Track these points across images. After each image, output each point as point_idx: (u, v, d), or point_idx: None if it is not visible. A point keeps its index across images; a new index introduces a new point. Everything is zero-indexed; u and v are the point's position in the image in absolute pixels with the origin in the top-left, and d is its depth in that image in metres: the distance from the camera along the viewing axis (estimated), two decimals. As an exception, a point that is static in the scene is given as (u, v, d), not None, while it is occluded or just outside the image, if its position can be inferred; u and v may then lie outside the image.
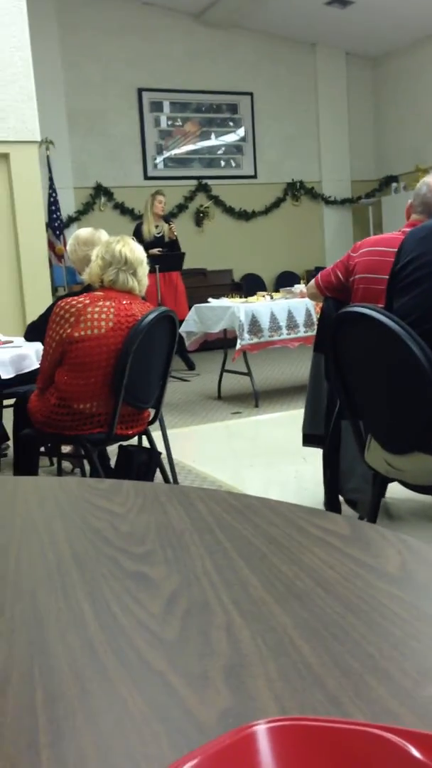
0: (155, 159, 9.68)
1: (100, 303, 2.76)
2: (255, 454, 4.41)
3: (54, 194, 8.58)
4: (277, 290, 6.85)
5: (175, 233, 7.29)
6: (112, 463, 3.28)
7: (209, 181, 9.93)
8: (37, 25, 7.11)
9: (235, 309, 5.59)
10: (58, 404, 2.82)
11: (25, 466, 3.15)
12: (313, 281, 2.95)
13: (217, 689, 0.46)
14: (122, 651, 0.52)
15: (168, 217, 7.49)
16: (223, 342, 6.02)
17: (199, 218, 9.87)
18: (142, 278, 2.88)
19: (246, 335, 5.52)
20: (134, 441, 3.33)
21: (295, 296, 5.95)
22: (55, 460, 4.00)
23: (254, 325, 5.58)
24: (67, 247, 3.54)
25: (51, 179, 8.55)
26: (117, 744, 0.42)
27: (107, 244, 2.90)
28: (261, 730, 0.36)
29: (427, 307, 1.98)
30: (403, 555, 0.67)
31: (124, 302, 2.81)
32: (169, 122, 9.79)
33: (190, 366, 7.66)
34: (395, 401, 2.01)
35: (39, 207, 5.88)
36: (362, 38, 9.99)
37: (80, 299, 2.77)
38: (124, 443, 3.13)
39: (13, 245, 5.77)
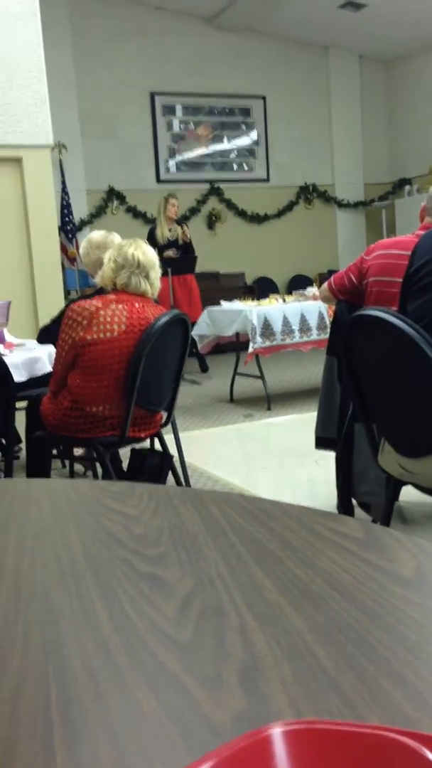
0: (168, 162, 9.69)
1: (113, 306, 2.77)
2: (267, 457, 4.40)
3: (67, 198, 8.60)
4: (289, 293, 6.84)
5: (189, 236, 7.30)
6: (125, 466, 3.28)
7: (222, 185, 9.93)
8: (50, 30, 7.14)
9: (248, 312, 5.59)
10: (70, 407, 2.83)
11: (37, 468, 3.16)
12: (326, 284, 2.95)
13: (231, 692, 0.46)
14: (137, 653, 0.52)
15: (181, 220, 7.51)
16: (236, 345, 6.01)
17: (212, 221, 9.87)
18: (154, 281, 2.89)
19: (258, 338, 5.52)
20: (146, 444, 3.33)
21: (307, 299, 5.94)
22: (67, 462, 4.01)
23: (267, 329, 5.57)
24: (80, 250, 3.55)
25: (64, 183, 8.58)
26: (131, 746, 0.41)
27: (120, 247, 2.90)
28: (276, 733, 0.36)
29: (441, 310, 1.97)
30: (418, 558, 0.66)
31: (137, 305, 2.81)
32: (182, 126, 9.81)
33: (204, 368, 7.67)
34: (409, 404, 2.01)
35: (52, 210, 5.90)
36: (375, 41, 9.97)
37: (93, 302, 2.78)
38: (137, 446, 3.13)
39: (26, 248, 5.79)
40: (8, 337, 3.83)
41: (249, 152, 10.22)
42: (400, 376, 2.00)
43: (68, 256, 8.45)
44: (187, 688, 0.47)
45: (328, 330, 5.30)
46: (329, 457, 3.08)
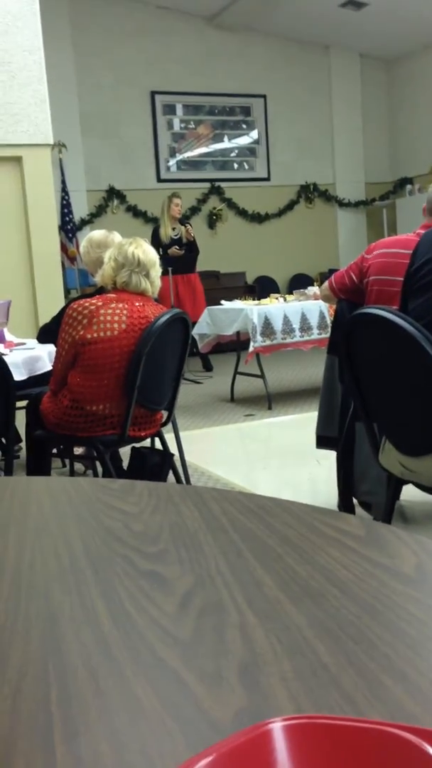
0: (168, 162, 9.69)
1: (113, 305, 2.77)
2: (268, 456, 4.40)
3: (67, 197, 8.61)
4: (290, 292, 6.84)
5: (193, 234, 7.31)
6: (125, 465, 3.28)
7: (222, 184, 9.93)
8: (50, 29, 7.14)
9: (248, 311, 5.59)
10: (70, 406, 2.82)
11: (37, 467, 3.15)
12: (326, 283, 2.95)
13: (231, 687, 0.46)
14: (136, 649, 0.52)
15: (184, 220, 7.52)
16: (236, 344, 6.01)
17: (212, 221, 9.88)
18: (154, 280, 2.89)
19: (259, 337, 5.51)
20: (147, 443, 3.33)
21: (308, 298, 5.94)
22: (67, 461, 4.01)
23: (267, 327, 5.57)
24: (80, 249, 3.55)
25: (64, 182, 8.59)
26: (131, 741, 0.41)
27: (120, 245, 2.90)
28: (277, 727, 0.36)
29: (442, 309, 1.97)
30: (419, 556, 0.66)
31: (137, 304, 2.81)
32: (182, 125, 9.81)
33: (208, 367, 7.68)
34: (410, 403, 2.00)
35: (52, 210, 5.90)
36: (376, 40, 9.97)
37: (93, 301, 2.78)
38: (137, 445, 3.13)
39: (26, 248, 5.79)
40: (8, 336, 3.83)
41: (250, 151, 10.21)
42: (401, 375, 2.00)
43: (68, 256, 8.46)
44: (187, 684, 0.47)
45: (329, 329, 5.30)
46: (330, 456, 3.08)
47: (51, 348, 3.40)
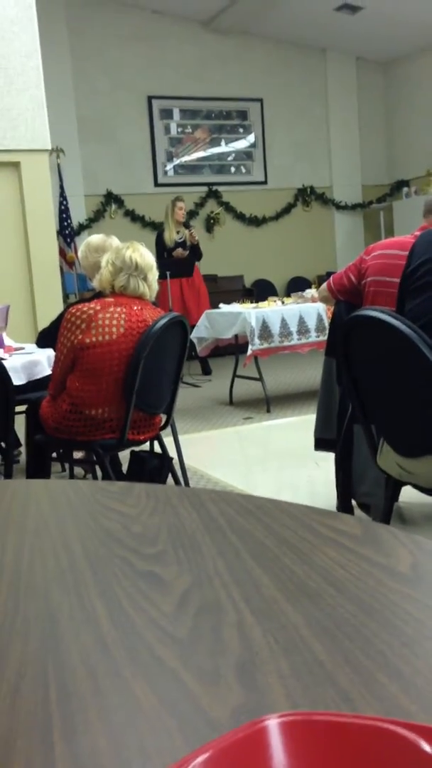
0: (165, 166, 9.71)
1: (111, 309, 2.77)
2: (267, 459, 4.41)
3: (65, 202, 8.62)
4: (288, 295, 6.85)
5: (197, 238, 7.36)
6: (124, 468, 3.28)
7: (220, 188, 9.95)
8: (48, 34, 7.16)
9: (246, 314, 5.60)
10: (69, 410, 2.83)
11: (37, 471, 3.16)
12: (325, 284, 2.95)
13: (229, 686, 0.46)
14: (135, 648, 0.52)
15: (188, 223, 7.56)
16: (235, 348, 6.02)
17: (210, 224, 9.89)
18: (152, 283, 2.89)
19: (257, 340, 5.52)
20: (146, 446, 3.33)
21: (306, 301, 5.95)
22: (67, 465, 4.01)
23: (265, 331, 5.58)
24: (79, 254, 3.56)
25: (62, 187, 8.60)
26: (129, 739, 0.42)
27: (117, 250, 2.91)
28: (273, 724, 0.36)
29: (439, 310, 1.98)
30: (415, 555, 0.67)
31: (135, 308, 2.82)
32: (179, 129, 9.83)
33: (207, 371, 7.69)
34: (407, 404, 2.01)
35: (50, 215, 5.91)
36: (372, 43, 10.00)
37: (91, 305, 2.78)
38: (136, 449, 3.13)
39: (24, 253, 5.80)
40: (7, 341, 3.84)
41: (247, 155, 10.23)
42: (399, 376, 2.01)
43: (67, 261, 8.47)
44: (185, 682, 0.47)
45: (327, 332, 5.31)
46: (329, 458, 3.09)
47: (50, 352, 3.41)
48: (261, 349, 5.57)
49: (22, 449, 3.99)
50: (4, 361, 2.94)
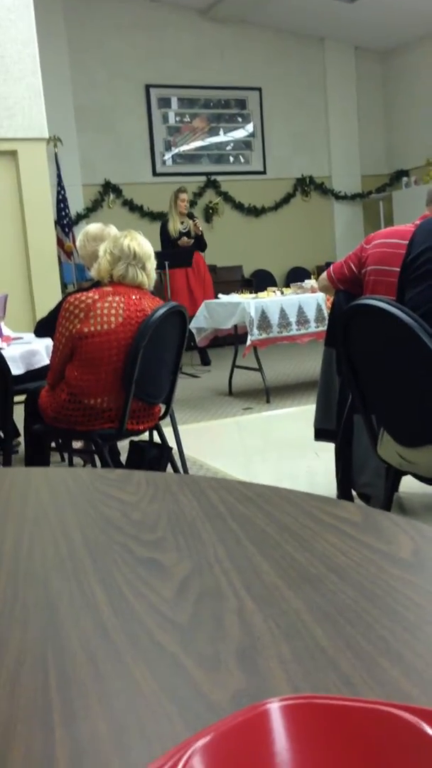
0: (164, 155, 9.67)
1: (110, 298, 2.77)
2: (266, 449, 4.41)
3: (62, 192, 8.59)
4: (287, 286, 6.84)
5: (201, 229, 7.39)
6: (123, 458, 3.28)
7: (218, 177, 9.91)
8: (44, 22, 7.12)
9: (246, 305, 5.59)
10: (68, 399, 2.82)
11: (36, 461, 3.16)
12: (325, 273, 2.94)
13: (229, 671, 0.46)
14: (135, 634, 0.52)
15: (191, 214, 7.58)
16: (234, 338, 6.01)
17: (209, 214, 9.86)
18: (150, 272, 2.88)
19: (255, 331, 5.52)
20: (145, 436, 3.33)
21: (305, 291, 5.94)
22: (66, 455, 4.01)
23: (264, 321, 5.57)
24: (77, 243, 3.55)
25: (59, 176, 8.56)
26: (130, 723, 0.42)
27: (115, 239, 2.90)
28: (275, 707, 0.36)
29: (438, 299, 1.97)
30: (416, 541, 0.66)
31: (134, 297, 2.81)
32: (177, 118, 9.79)
33: (206, 361, 7.69)
34: (408, 393, 2.01)
35: (47, 204, 5.89)
36: (371, 33, 9.95)
37: (90, 294, 2.78)
38: (135, 438, 3.13)
39: (22, 242, 5.79)
40: (5, 331, 3.83)
41: (245, 144, 10.19)
42: (399, 365, 2.00)
43: (65, 250, 8.44)
44: (186, 667, 0.47)
45: (326, 322, 5.30)
46: (329, 448, 3.08)
47: (48, 342, 3.40)
48: (260, 339, 5.56)
49: (21, 440, 3.99)
50: (2, 351, 2.93)
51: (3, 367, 2.53)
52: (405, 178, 10.48)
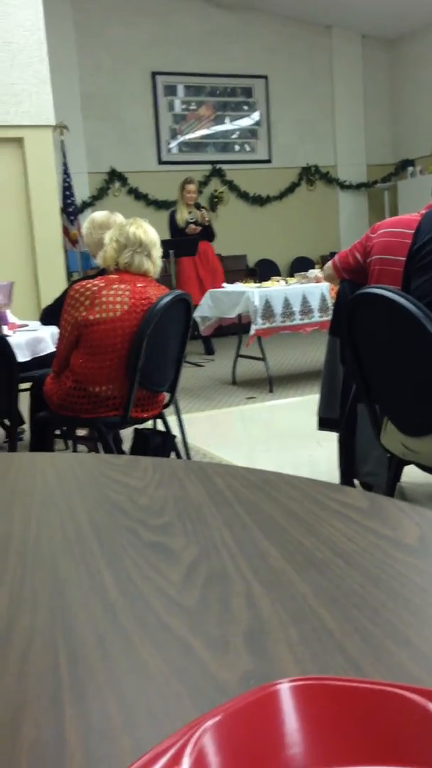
0: (169, 143, 9.64)
1: (115, 286, 2.76)
2: (269, 438, 4.41)
3: (68, 179, 8.56)
4: (291, 275, 6.83)
5: (208, 219, 7.40)
6: (126, 446, 3.29)
7: (223, 166, 9.88)
8: (51, 10, 7.08)
9: (250, 294, 5.58)
10: (73, 387, 2.83)
11: (40, 448, 3.16)
12: (330, 262, 2.94)
13: (237, 653, 0.47)
14: (143, 616, 0.52)
15: (198, 204, 7.59)
16: (238, 327, 6.01)
17: (214, 203, 9.83)
18: (156, 260, 2.88)
19: (259, 320, 5.51)
20: (149, 425, 3.33)
21: (310, 281, 5.93)
22: (70, 443, 4.02)
23: (267, 310, 5.57)
24: (83, 230, 3.55)
25: (65, 164, 8.53)
26: (139, 703, 0.42)
27: (120, 226, 2.90)
28: (284, 688, 0.37)
29: (444, 289, 1.97)
30: (422, 527, 0.67)
31: (139, 285, 2.81)
32: (183, 106, 9.74)
33: (209, 350, 7.69)
34: (412, 383, 2.01)
35: (53, 191, 5.88)
36: (378, 20, 9.88)
37: (95, 282, 2.78)
38: (139, 426, 3.14)
39: (28, 230, 5.78)
40: (11, 318, 3.83)
41: (251, 133, 10.15)
42: (403, 355, 2.00)
43: (70, 238, 8.42)
44: (194, 649, 0.47)
45: (330, 312, 5.29)
46: (331, 438, 3.09)
47: (54, 329, 3.40)
48: (263, 328, 5.55)
49: (26, 427, 4.00)
50: (8, 338, 2.94)
51: (9, 354, 2.53)
52: (410, 168, 10.44)
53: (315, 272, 6.05)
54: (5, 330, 3.58)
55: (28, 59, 5.52)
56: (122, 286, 2.77)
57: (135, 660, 0.47)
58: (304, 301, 5.72)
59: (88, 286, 2.75)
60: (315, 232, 10.45)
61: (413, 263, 2.08)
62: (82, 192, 8.99)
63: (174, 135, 9.67)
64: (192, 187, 7.45)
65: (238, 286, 6.10)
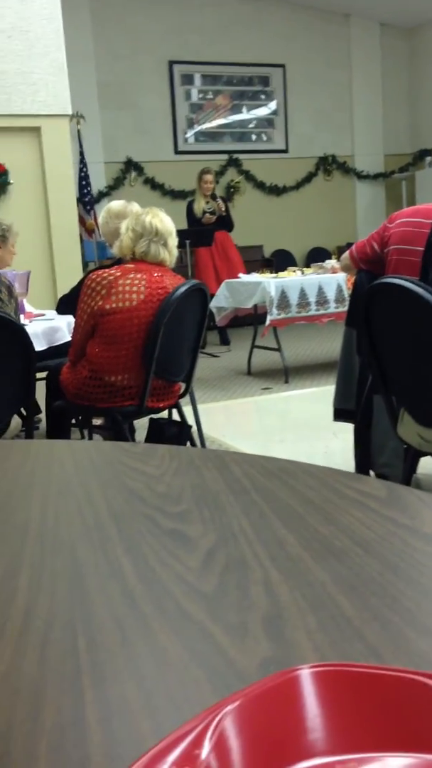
0: (186, 133, 9.61)
1: (132, 275, 2.76)
2: (285, 429, 4.41)
3: (84, 169, 8.55)
4: (307, 266, 6.80)
5: (224, 209, 7.40)
6: (141, 435, 3.30)
7: (240, 156, 9.84)
8: (69, -2, 7.06)
9: (266, 284, 5.57)
10: (89, 376, 2.84)
11: (57, 437, 3.18)
12: (347, 252, 2.92)
13: (256, 639, 0.47)
14: (162, 602, 0.52)
15: (214, 195, 7.58)
16: (253, 318, 6.00)
17: (230, 193, 9.80)
18: (172, 249, 2.88)
19: (275, 310, 5.50)
20: (165, 414, 3.34)
21: (326, 272, 5.90)
22: (86, 432, 4.03)
23: (283, 300, 5.56)
24: (99, 220, 3.54)
25: (82, 154, 8.52)
26: (158, 687, 0.42)
27: (136, 216, 2.89)
28: (304, 674, 0.36)
29: (463, 279, 1.95)
30: (441, 517, 0.66)
31: (156, 274, 2.81)
32: (200, 95, 9.71)
33: (225, 341, 7.68)
34: (429, 373, 1.99)
35: (70, 181, 5.89)
36: (397, 9, 9.78)
37: (111, 271, 2.78)
38: (155, 416, 3.14)
39: (44, 220, 5.79)
40: (28, 307, 3.84)
41: (268, 122, 10.10)
42: (421, 345, 1.99)
43: (86, 228, 8.42)
44: (213, 635, 0.47)
45: (346, 302, 5.27)
46: (346, 429, 3.08)
47: (70, 319, 3.41)
48: (278, 319, 5.54)
49: (42, 416, 4.01)
50: (25, 327, 2.94)
51: (27, 343, 2.54)
52: (429, 158, 10.35)
53: (331, 263, 6.02)
54: (22, 319, 3.60)
55: (46, 48, 5.52)
56: (138, 276, 2.77)
57: (154, 645, 0.47)
58: (320, 292, 5.70)
59: (105, 275, 2.75)
60: (332, 222, 10.39)
61: (431, 253, 2.07)
62: (98, 182, 8.99)
63: (191, 124, 9.64)
64: (209, 177, 7.45)
65: (255, 277, 6.08)
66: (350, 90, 10.39)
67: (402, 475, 2.34)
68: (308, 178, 10.28)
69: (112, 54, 8.99)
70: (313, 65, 10.11)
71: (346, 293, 5.68)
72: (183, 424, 3.14)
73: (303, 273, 6.01)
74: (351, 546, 0.60)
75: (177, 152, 9.50)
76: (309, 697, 0.36)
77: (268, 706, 0.35)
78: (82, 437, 4.10)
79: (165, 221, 2.86)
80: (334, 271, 5.79)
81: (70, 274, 5.49)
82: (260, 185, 10.00)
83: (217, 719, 0.34)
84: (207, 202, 7.42)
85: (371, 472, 2.90)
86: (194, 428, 3.36)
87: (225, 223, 7.48)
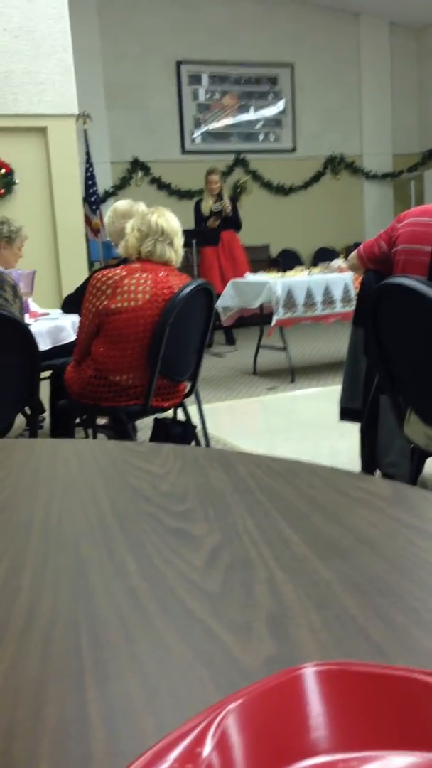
0: (193, 133, 9.61)
1: (137, 275, 2.76)
2: (290, 429, 4.40)
3: (91, 168, 8.56)
4: (314, 266, 6.80)
5: (229, 208, 7.39)
6: (144, 435, 3.30)
7: (247, 156, 9.83)
8: (76, -3, 7.06)
9: (272, 284, 5.56)
10: (94, 375, 2.84)
11: (61, 437, 3.18)
12: (355, 252, 2.91)
13: (260, 637, 0.46)
14: (165, 601, 0.52)
15: (221, 194, 7.59)
16: (259, 318, 5.99)
17: (237, 193, 9.79)
18: (178, 249, 2.88)
19: (281, 310, 5.49)
20: (170, 414, 3.33)
21: (333, 271, 5.89)
22: (90, 431, 4.03)
23: (289, 300, 5.55)
24: (105, 220, 3.55)
25: (88, 153, 8.52)
26: (162, 685, 0.42)
27: (142, 215, 2.89)
28: (309, 672, 0.36)
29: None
30: (447, 516, 0.66)
31: (161, 274, 2.81)
32: (208, 95, 9.70)
33: (231, 341, 7.69)
34: (435, 374, 1.99)
35: (76, 181, 5.89)
36: (407, 8, 9.76)
37: (117, 271, 2.78)
38: (160, 416, 3.14)
39: (50, 219, 5.80)
40: (33, 307, 3.85)
41: (275, 122, 10.09)
42: (429, 345, 1.98)
43: (92, 228, 8.43)
44: (217, 633, 0.47)
45: (353, 303, 5.27)
46: (352, 429, 3.07)
47: (75, 318, 3.41)
48: (285, 318, 5.54)
49: (46, 415, 4.02)
50: (30, 326, 2.95)
51: (31, 342, 2.54)
52: (437, 158, 10.32)
53: (338, 262, 6.02)
54: (27, 318, 3.60)
55: (52, 48, 5.52)
56: (144, 275, 2.77)
57: (158, 643, 0.47)
58: (327, 292, 5.70)
59: (110, 275, 2.75)
60: (339, 222, 10.37)
61: (439, 253, 2.06)
62: (104, 181, 8.99)
63: (198, 124, 9.64)
64: (214, 177, 7.46)
65: (261, 276, 6.08)
66: (359, 89, 10.37)
67: (408, 475, 2.33)
68: (316, 178, 10.26)
69: (119, 54, 8.99)
70: (321, 64, 10.09)
71: (354, 293, 5.67)
72: (188, 423, 3.14)
73: (310, 272, 6.00)
74: (356, 545, 0.60)
75: (184, 152, 9.50)
76: (312, 696, 0.36)
77: (272, 705, 0.35)
78: (87, 436, 4.10)
79: (171, 221, 2.86)
80: (341, 270, 5.78)
81: (75, 274, 5.50)
82: (267, 185, 9.99)
83: (219, 717, 0.33)
84: (215, 202, 7.44)
85: (377, 472, 2.90)
86: (199, 428, 3.36)
87: (232, 222, 7.49)
